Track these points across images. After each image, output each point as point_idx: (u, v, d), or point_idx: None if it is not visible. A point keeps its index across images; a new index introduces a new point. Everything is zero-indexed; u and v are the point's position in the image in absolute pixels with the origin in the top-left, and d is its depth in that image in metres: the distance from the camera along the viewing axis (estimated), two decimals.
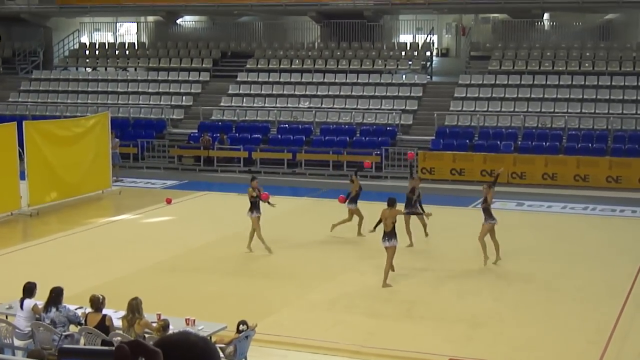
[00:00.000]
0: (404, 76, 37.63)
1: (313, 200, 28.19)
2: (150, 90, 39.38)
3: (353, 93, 36.45)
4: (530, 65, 35.99)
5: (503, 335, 15.20)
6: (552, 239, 22.57)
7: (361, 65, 38.03)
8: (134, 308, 12.71)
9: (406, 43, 40.78)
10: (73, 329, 13.35)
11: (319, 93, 36.85)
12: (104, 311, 13.03)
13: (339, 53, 39.12)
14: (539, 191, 29.23)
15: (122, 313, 13.01)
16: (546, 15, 40.06)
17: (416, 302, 16.98)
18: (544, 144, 31.53)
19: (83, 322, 13.08)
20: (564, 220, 25.25)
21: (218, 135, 34.39)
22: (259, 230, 20.43)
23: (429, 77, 38.15)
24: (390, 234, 18.15)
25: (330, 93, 36.70)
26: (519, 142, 32.00)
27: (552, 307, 16.70)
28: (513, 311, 16.41)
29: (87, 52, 44.08)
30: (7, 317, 13.77)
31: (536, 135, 32.15)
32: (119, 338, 12.36)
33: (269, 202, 21.03)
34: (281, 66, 39.00)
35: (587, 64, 35.45)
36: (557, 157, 30.60)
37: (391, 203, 18.68)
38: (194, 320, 13.30)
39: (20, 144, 25.34)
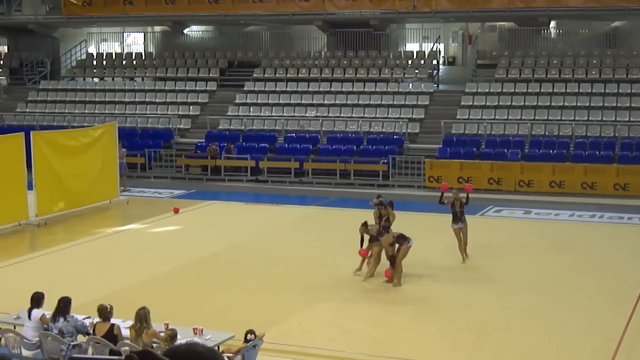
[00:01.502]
0: (410, 85, 37.66)
1: (320, 209, 28.20)
2: (157, 100, 39.47)
3: (360, 102, 36.48)
4: (537, 73, 35.98)
5: (510, 343, 15.18)
6: (559, 247, 22.52)
7: (368, 74, 38.06)
8: (142, 317, 12.73)
9: (413, 52, 40.83)
10: (81, 338, 13.38)
11: (325, 102, 36.90)
12: (112, 321, 13.05)
13: (345, 62, 39.16)
14: (547, 199, 29.20)
15: (130, 322, 13.03)
16: (552, 23, 40.03)
17: (423, 310, 16.98)
18: (551, 151, 31.51)
19: (91, 331, 13.11)
20: (571, 228, 25.21)
21: (225, 144, 34.45)
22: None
23: (435, 85, 38.15)
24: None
25: (337, 102, 36.74)
26: (526, 150, 31.98)
27: (559, 315, 16.67)
28: (520, 319, 16.39)
29: (95, 62, 44.21)
30: (15, 327, 13.80)
31: (543, 143, 32.12)
32: (127, 348, 12.39)
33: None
34: (288, 75, 39.06)
35: (593, 72, 35.44)
36: (564, 165, 30.58)
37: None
38: (202, 330, 13.31)
39: (28, 154, 25.39)
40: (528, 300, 17.60)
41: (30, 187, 25.40)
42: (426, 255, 21.24)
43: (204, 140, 35.70)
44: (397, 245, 18.79)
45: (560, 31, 40.87)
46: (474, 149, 32.32)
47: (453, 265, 20.36)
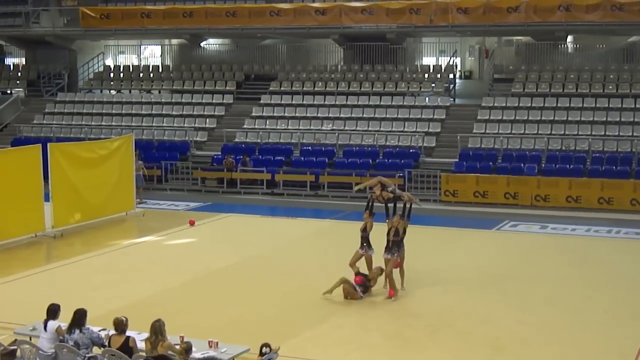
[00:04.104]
0: (427, 98, 37.66)
1: (335, 222, 28.17)
2: (174, 113, 39.60)
3: (376, 115, 36.50)
4: (553, 88, 35.92)
5: (527, 358, 15.10)
6: (576, 262, 22.43)
7: (384, 88, 38.10)
8: (157, 330, 12.72)
9: (429, 65, 40.83)
10: (96, 350, 13.39)
11: (341, 115, 36.93)
12: (128, 333, 13.05)
13: (361, 75, 39.20)
14: (563, 214, 29.11)
15: (146, 335, 13.03)
16: (569, 38, 40.00)
17: (439, 325, 16.91)
18: (567, 166, 31.42)
19: (106, 344, 13.11)
20: (588, 243, 25.12)
21: (241, 157, 34.51)
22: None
23: (452, 99, 38.13)
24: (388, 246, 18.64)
25: (353, 115, 36.76)
26: (543, 165, 31.90)
27: (576, 330, 16.58)
28: (537, 334, 16.30)
29: (112, 74, 44.41)
30: (30, 339, 13.81)
31: (560, 158, 32.04)
32: None
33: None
34: (304, 88, 39.14)
35: (610, 86, 35.35)
36: (581, 180, 30.46)
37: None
38: (217, 343, 13.28)
39: (45, 166, 25.48)
40: (544, 315, 17.51)
41: (47, 198, 25.49)
42: (441, 269, 21.21)
43: (220, 153, 35.78)
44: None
45: (577, 46, 40.81)
46: (491, 163, 32.25)
47: (468, 280, 20.29)
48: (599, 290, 19.56)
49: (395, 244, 18.54)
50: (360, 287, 18.42)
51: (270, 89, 39.70)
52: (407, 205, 19.11)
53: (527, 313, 17.68)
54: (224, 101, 39.88)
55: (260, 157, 35.17)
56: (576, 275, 21.01)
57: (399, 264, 18.91)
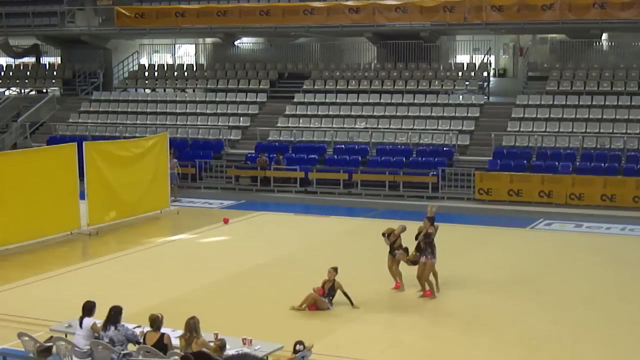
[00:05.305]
0: (461, 97, 37.53)
1: (369, 221, 28.16)
2: (208, 111, 39.74)
3: (409, 113, 36.41)
4: (588, 86, 35.67)
5: (562, 358, 15.03)
6: (610, 261, 22.29)
7: (418, 86, 38.00)
8: (192, 327, 12.81)
9: (463, 63, 40.66)
10: (131, 347, 13.49)
11: (375, 113, 36.87)
12: (162, 330, 13.14)
13: (395, 74, 39.13)
14: (598, 212, 28.91)
15: (180, 332, 13.12)
16: (604, 36, 39.69)
17: (474, 324, 16.88)
18: (602, 164, 31.19)
19: (141, 340, 13.21)
20: (623, 242, 24.94)
21: (275, 155, 34.59)
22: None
23: (486, 97, 37.97)
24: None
25: (386, 113, 36.70)
26: (578, 163, 31.70)
27: (611, 330, 16.48)
28: (571, 334, 16.23)
29: (146, 73, 44.61)
30: (66, 336, 13.95)
31: (595, 156, 31.81)
32: (176, 357, 12.46)
33: None
34: (338, 87, 39.11)
35: None
36: (616, 178, 30.24)
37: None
38: (251, 340, 13.35)
39: (80, 164, 25.69)
40: (579, 315, 17.43)
41: (82, 196, 25.71)
42: (475, 268, 21.17)
43: (253, 151, 35.88)
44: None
45: (612, 43, 40.50)
46: (525, 162, 32.09)
47: (502, 278, 20.23)
48: (634, 290, 19.42)
49: (428, 246, 18.51)
50: (326, 298, 18.12)
51: (304, 87, 39.74)
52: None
53: (562, 312, 17.60)
54: (258, 100, 39.98)
55: (293, 155, 35.23)
56: (611, 274, 20.88)
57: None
